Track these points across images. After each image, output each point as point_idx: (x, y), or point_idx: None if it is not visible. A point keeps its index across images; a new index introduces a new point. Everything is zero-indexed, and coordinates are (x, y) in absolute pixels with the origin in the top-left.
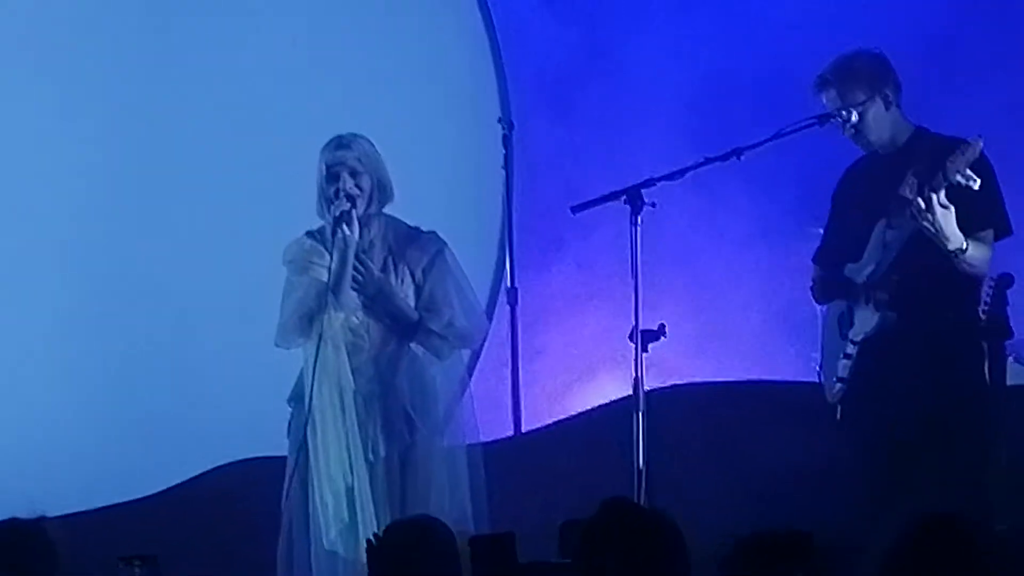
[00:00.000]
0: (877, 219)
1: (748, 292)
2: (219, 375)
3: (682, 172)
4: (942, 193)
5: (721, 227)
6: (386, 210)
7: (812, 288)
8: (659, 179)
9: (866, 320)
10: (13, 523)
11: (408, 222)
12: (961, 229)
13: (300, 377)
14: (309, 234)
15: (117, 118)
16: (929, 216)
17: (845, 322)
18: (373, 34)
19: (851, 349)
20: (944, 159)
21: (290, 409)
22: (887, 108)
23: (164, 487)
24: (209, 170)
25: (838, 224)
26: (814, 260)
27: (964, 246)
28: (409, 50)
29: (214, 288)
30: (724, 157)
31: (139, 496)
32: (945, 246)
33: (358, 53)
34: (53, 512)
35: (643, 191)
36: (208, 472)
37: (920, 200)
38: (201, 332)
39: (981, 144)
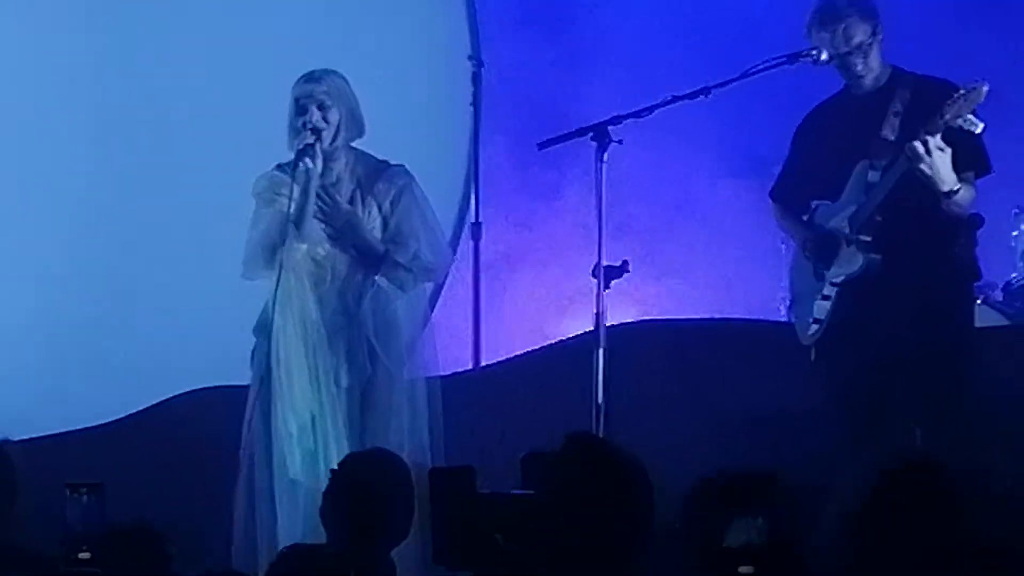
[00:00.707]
0: (852, 159)
1: (714, 229)
2: (186, 305)
3: (650, 109)
4: (938, 136)
5: (690, 163)
6: (356, 145)
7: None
8: (626, 116)
9: (849, 262)
10: None
11: (377, 157)
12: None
13: (265, 308)
14: (279, 167)
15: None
16: (927, 159)
17: (821, 263)
18: None
19: (829, 290)
20: (929, 100)
21: (255, 339)
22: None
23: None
24: (179, 100)
25: (801, 161)
26: (771, 195)
27: (956, 187)
28: None
29: (181, 218)
30: (692, 95)
31: (99, 423)
32: (939, 188)
33: None
34: (14, 436)
35: (610, 128)
36: (169, 400)
37: (916, 144)
38: (168, 261)
39: (986, 88)
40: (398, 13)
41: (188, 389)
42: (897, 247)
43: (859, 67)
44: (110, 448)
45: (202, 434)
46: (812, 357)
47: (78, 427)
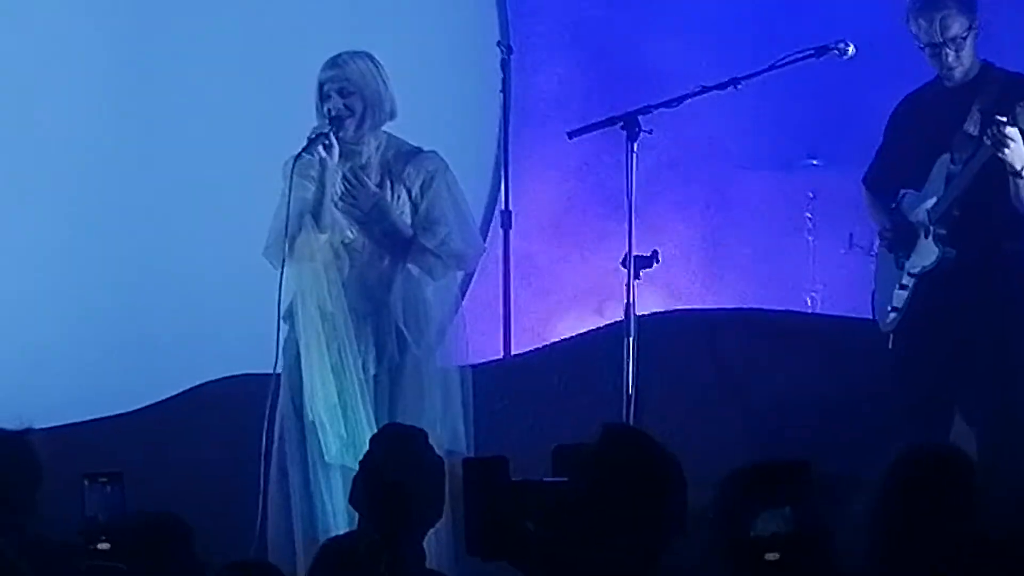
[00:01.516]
0: (938, 151)
1: (743, 220)
2: (214, 291)
3: (679, 100)
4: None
5: (721, 152)
6: (390, 130)
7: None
8: (656, 106)
9: (925, 254)
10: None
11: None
12: None
13: (293, 295)
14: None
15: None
16: (1004, 139)
17: (902, 253)
18: None
19: (907, 280)
20: (1015, 98)
21: (286, 327)
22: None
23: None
24: (208, 91)
25: (892, 148)
26: (863, 181)
27: None
28: None
29: (209, 203)
30: (722, 86)
31: (127, 410)
32: (1012, 166)
33: None
34: (39, 424)
35: (640, 117)
36: (197, 387)
37: (994, 131)
38: (195, 247)
39: None
40: (429, 1)
41: (217, 377)
42: (972, 242)
43: (951, 59)
44: (137, 436)
45: (231, 422)
46: (889, 345)
47: (105, 415)
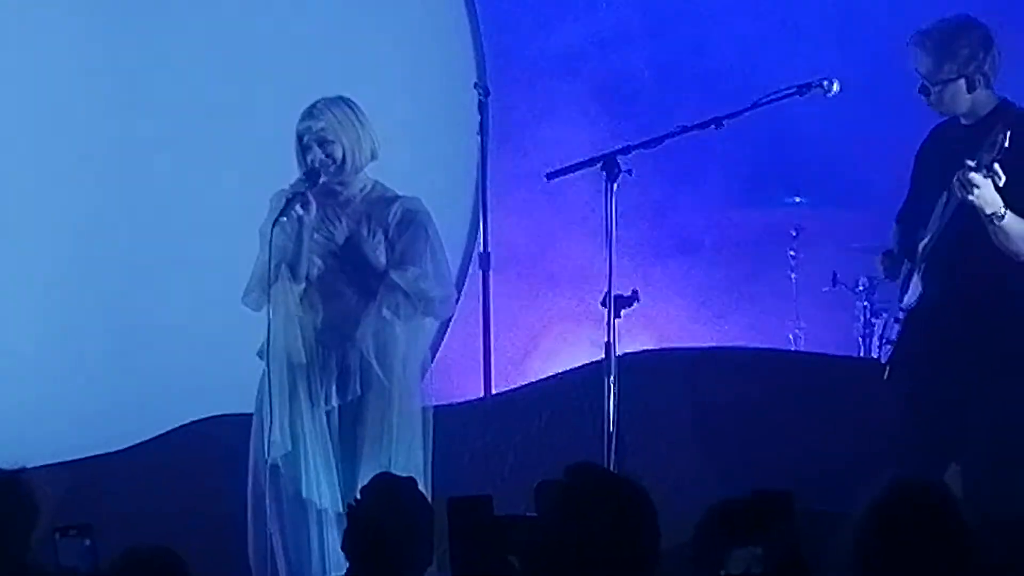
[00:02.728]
0: (945, 189)
1: (723, 259)
2: (200, 332)
3: (659, 140)
4: (984, 170)
5: (704, 190)
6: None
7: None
8: (635, 147)
9: (913, 290)
10: None
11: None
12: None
13: (267, 334)
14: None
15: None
16: (973, 191)
17: (905, 287)
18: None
19: (900, 315)
20: (1012, 134)
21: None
22: (971, 88)
23: (138, 441)
24: (193, 130)
25: (916, 184)
26: (897, 219)
27: (1001, 212)
28: (385, 15)
29: (193, 245)
30: (702, 125)
31: (112, 450)
32: (986, 212)
33: (332, 17)
34: (30, 462)
35: (619, 158)
36: (182, 427)
37: (961, 178)
38: (180, 288)
39: None
40: (404, 44)
41: (202, 416)
42: (956, 279)
43: (932, 98)
44: (128, 475)
45: (215, 462)
46: (885, 376)
47: (91, 454)
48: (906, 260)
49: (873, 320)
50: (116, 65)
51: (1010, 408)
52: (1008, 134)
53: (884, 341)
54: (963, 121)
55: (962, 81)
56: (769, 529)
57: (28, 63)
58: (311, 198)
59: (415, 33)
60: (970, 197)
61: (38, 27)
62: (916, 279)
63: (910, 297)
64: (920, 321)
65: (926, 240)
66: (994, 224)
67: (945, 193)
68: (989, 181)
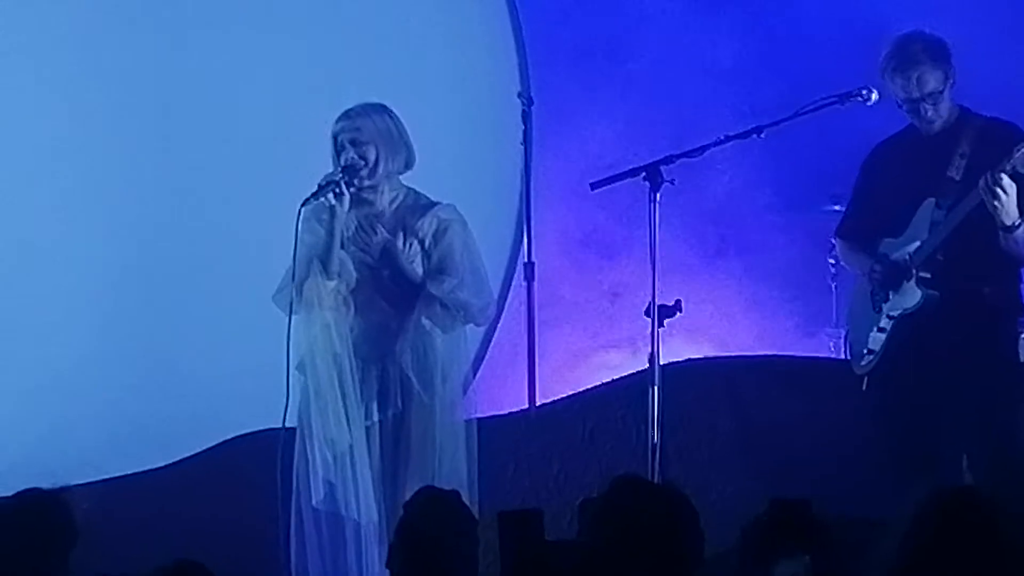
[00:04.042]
0: (917, 196)
1: (763, 267)
2: (238, 346)
3: (702, 149)
4: (1004, 178)
5: (745, 199)
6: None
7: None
8: (678, 156)
9: (907, 296)
10: (33, 493)
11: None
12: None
13: (307, 347)
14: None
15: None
16: (1002, 195)
17: (879, 296)
18: (391, 7)
19: (885, 323)
20: (994, 143)
21: (301, 377)
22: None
23: (180, 457)
24: (225, 144)
25: (867, 197)
26: (837, 233)
27: (1018, 223)
28: (428, 24)
29: (231, 257)
30: (744, 135)
31: (154, 467)
32: (1004, 222)
33: (376, 27)
34: (69, 479)
35: (662, 168)
36: (222, 443)
37: (990, 178)
38: (219, 302)
39: None
40: (449, 52)
41: (243, 432)
42: (955, 285)
43: (929, 113)
44: (162, 494)
45: (252, 479)
46: (864, 387)
47: (132, 471)
48: (884, 266)
49: None
50: (150, 82)
51: (1003, 405)
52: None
53: (865, 351)
54: (923, 131)
55: (948, 87)
56: (807, 538)
57: (58, 75)
58: (344, 188)
59: (459, 42)
60: (995, 203)
61: (72, 35)
62: (910, 285)
63: (904, 304)
64: (921, 328)
65: (913, 247)
66: (1008, 233)
67: (931, 200)
68: (1014, 190)
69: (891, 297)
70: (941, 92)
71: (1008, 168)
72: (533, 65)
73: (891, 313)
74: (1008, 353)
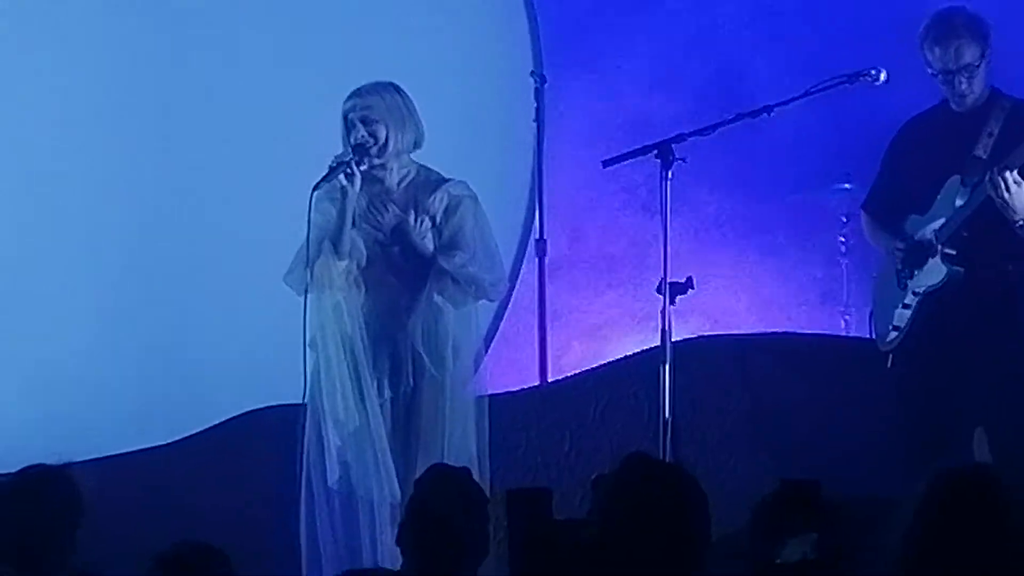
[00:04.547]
0: (944, 174)
1: (774, 245)
2: (246, 323)
3: (713, 127)
4: (1015, 172)
5: (756, 177)
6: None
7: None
8: (690, 134)
9: (932, 273)
10: (40, 469)
11: (441, 173)
12: None
13: (318, 325)
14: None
15: (136, 71)
16: (1005, 192)
17: (904, 273)
18: None
19: (910, 300)
20: (1020, 122)
21: (313, 355)
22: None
23: (189, 433)
24: (245, 119)
25: (894, 173)
26: (863, 207)
27: None
28: (439, 2)
29: (240, 233)
30: (754, 113)
31: (161, 443)
32: (1013, 218)
33: (388, 5)
34: (76, 457)
35: (674, 146)
36: (228, 421)
37: (997, 177)
38: (228, 279)
39: None
40: (458, 28)
41: (258, 406)
42: (979, 261)
43: (963, 86)
44: (177, 468)
45: (262, 455)
46: (888, 364)
47: (138, 448)
48: (908, 243)
49: None
50: (150, 75)
51: None
52: None
53: (890, 327)
54: (956, 108)
55: (984, 63)
56: (814, 515)
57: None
58: (356, 170)
59: (471, 19)
60: (1005, 195)
61: (73, 35)
62: (936, 261)
63: (929, 281)
64: (946, 304)
65: (939, 224)
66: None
67: (956, 177)
68: (1021, 190)
69: (915, 274)
70: (977, 66)
71: (1018, 162)
72: (546, 43)
73: (916, 290)
74: None
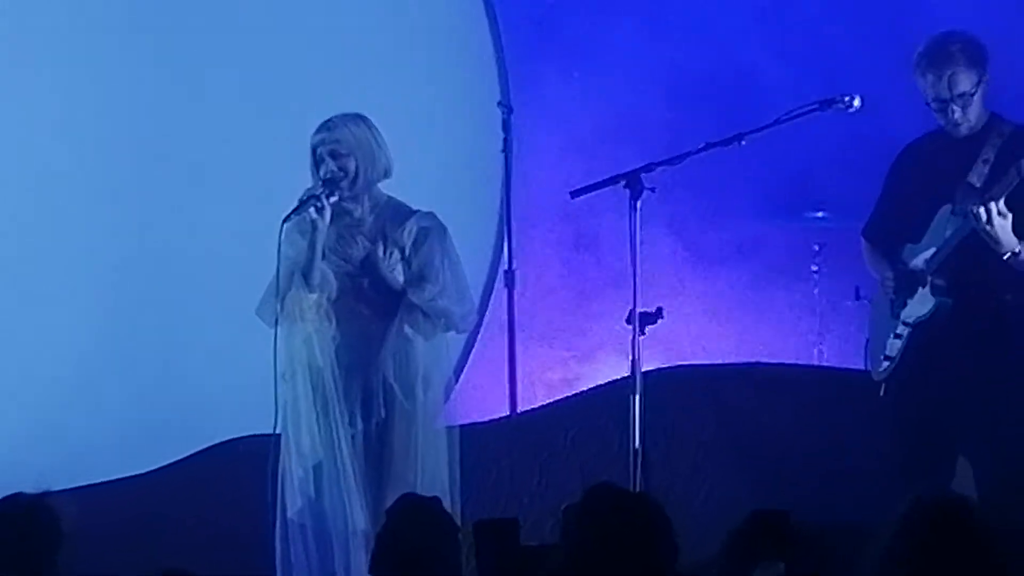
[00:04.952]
0: (940, 202)
1: (747, 275)
2: (230, 352)
3: (682, 157)
4: (1001, 202)
5: (728, 205)
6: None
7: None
8: (659, 164)
9: (922, 303)
10: (17, 498)
11: (409, 205)
12: (1017, 231)
13: (288, 357)
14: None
15: (124, 110)
16: (987, 225)
17: (898, 302)
18: (369, 16)
19: (902, 330)
20: (1015, 148)
21: (285, 386)
22: (982, 95)
23: (164, 463)
24: (211, 157)
25: (895, 199)
26: (863, 234)
27: (1018, 250)
28: (408, 33)
29: (217, 267)
30: (726, 142)
31: (140, 472)
32: (998, 249)
33: (356, 35)
34: (56, 486)
35: (643, 176)
36: (208, 448)
37: (980, 210)
38: (205, 310)
39: None
40: (425, 60)
41: (229, 437)
42: (968, 292)
43: (957, 115)
44: (152, 497)
45: (243, 483)
46: (881, 393)
47: (115, 478)
48: (894, 273)
49: None
50: (149, 95)
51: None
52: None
53: (882, 357)
54: (956, 134)
55: (980, 90)
56: (782, 545)
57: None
58: (326, 203)
59: (438, 51)
60: (987, 227)
61: (75, 40)
62: (925, 292)
63: (919, 311)
64: (935, 334)
65: (929, 253)
66: (1014, 259)
67: (947, 207)
68: (1008, 220)
69: (908, 304)
70: (972, 95)
71: (1010, 185)
72: (512, 73)
73: (907, 320)
74: (1022, 361)
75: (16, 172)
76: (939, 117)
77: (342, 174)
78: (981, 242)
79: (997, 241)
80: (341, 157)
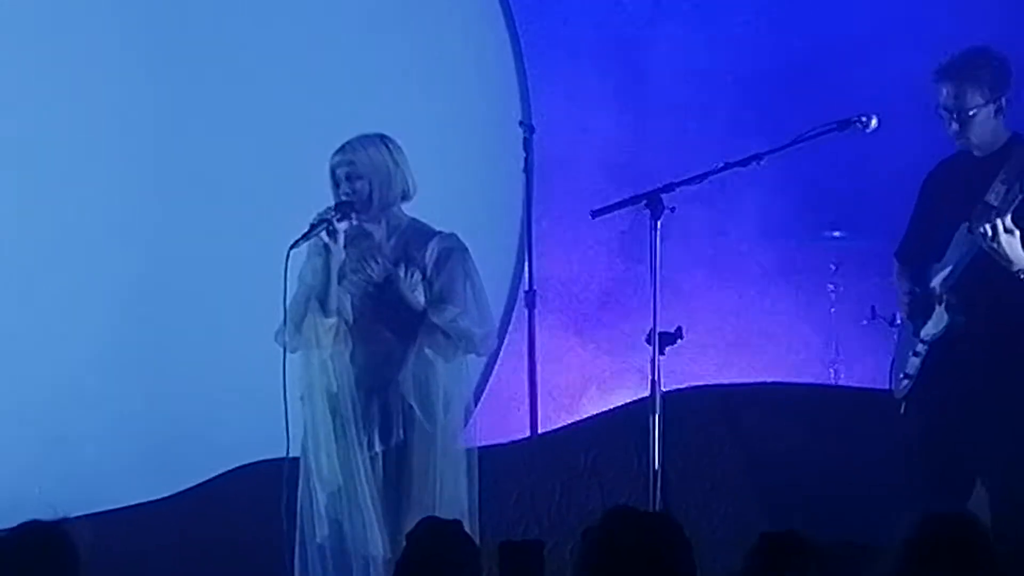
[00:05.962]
0: (961, 220)
1: (764, 294)
2: (245, 376)
3: (702, 177)
4: (1008, 218)
5: (745, 225)
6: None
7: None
8: (679, 183)
9: (937, 321)
10: (34, 526)
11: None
12: None
13: (306, 382)
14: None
15: (134, 125)
16: (994, 244)
17: (919, 321)
18: (390, 34)
19: (920, 348)
20: None
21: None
22: (996, 115)
23: (184, 488)
24: (226, 175)
25: (920, 219)
26: (896, 254)
27: None
28: (429, 52)
29: (233, 289)
30: (744, 162)
31: (157, 497)
32: (1009, 268)
33: (376, 55)
34: (72, 512)
35: (663, 196)
36: (224, 474)
37: (987, 227)
38: (220, 331)
39: None
40: (449, 81)
41: (247, 462)
42: (980, 309)
43: (954, 128)
44: (167, 523)
45: (259, 508)
46: (901, 411)
47: (130, 503)
48: (917, 291)
49: None
50: (162, 108)
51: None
52: None
53: (901, 375)
54: (976, 153)
55: (987, 110)
56: (798, 565)
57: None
58: (337, 226)
59: (459, 70)
60: (993, 245)
61: (83, 44)
62: (939, 311)
63: (933, 329)
64: (948, 352)
65: (946, 272)
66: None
67: (965, 224)
68: (1016, 237)
69: (926, 322)
70: (972, 113)
71: (1006, 207)
72: (535, 93)
73: (924, 338)
74: None
75: (28, 181)
76: (947, 130)
77: (357, 196)
78: (995, 260)
79: (1008, 259)
80: (355, 180)
